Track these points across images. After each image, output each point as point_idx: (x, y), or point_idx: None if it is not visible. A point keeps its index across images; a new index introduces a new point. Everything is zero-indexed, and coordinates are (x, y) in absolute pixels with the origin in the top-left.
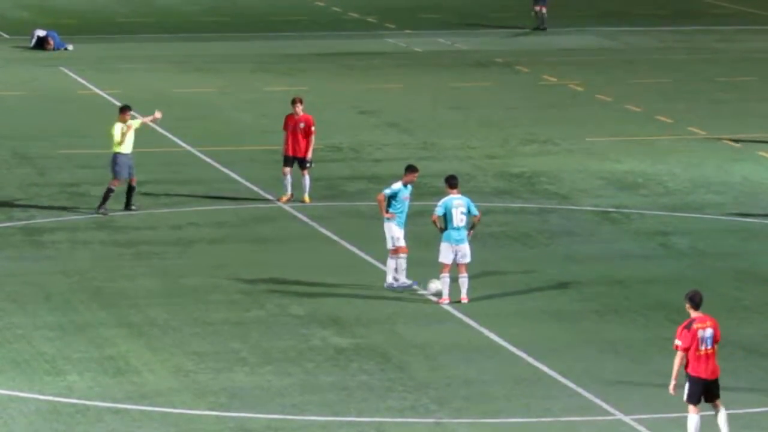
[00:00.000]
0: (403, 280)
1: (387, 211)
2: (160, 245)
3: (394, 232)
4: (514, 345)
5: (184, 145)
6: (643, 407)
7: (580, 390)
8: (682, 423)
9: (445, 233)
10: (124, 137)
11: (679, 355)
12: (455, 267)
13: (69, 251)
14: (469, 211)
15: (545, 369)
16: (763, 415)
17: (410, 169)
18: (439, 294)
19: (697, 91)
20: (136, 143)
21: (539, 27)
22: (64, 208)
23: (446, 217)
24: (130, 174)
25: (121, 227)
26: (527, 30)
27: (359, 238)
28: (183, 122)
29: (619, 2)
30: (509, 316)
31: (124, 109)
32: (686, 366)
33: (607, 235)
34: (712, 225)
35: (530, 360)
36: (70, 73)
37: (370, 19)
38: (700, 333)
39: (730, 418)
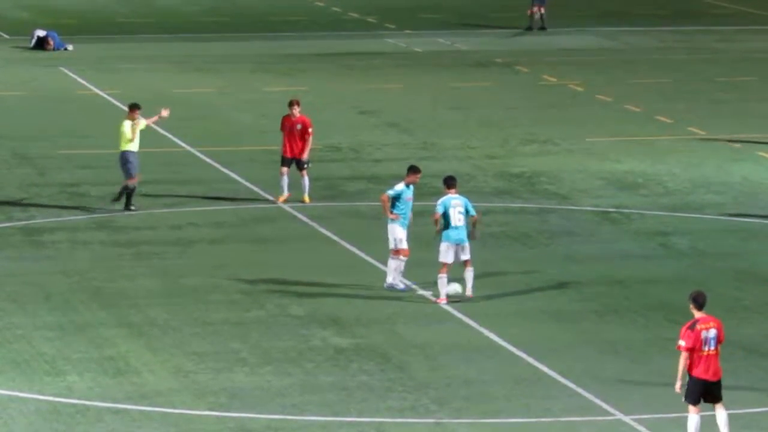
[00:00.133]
0: (401, 281)
1: (391, 212)
2: (160, 245)
3: (398, 234)
4: (514, 345)
5: (183, 145)
6: (643, 407)
7: (580, 390)
8: (682, 423)
9: (445, 233)
10: (135, 134)
11: (683, 355)
12: (455, 267)
13: (69, 251)
14: (467, 212)
15: (545, 369)
16: (763, 415)
17: (413, 169)
18: (457, 294)
19: (697, 91)
20: None
21: (531, 27)
22: (64, 208)
23: (445, 216)
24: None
25: (121, 227)
26: (520, 30)
27: (359, 238)
28: (183, 122)
29: (619, 2)
30: (509, 316)
31: (133, 107)
32: (689, 366)
33: (607, 235)
34: (712, 225)
35: (530, 360)
36: (70, 73)
37: (370, 19)
38: (703, 334)
39: (730, 418)
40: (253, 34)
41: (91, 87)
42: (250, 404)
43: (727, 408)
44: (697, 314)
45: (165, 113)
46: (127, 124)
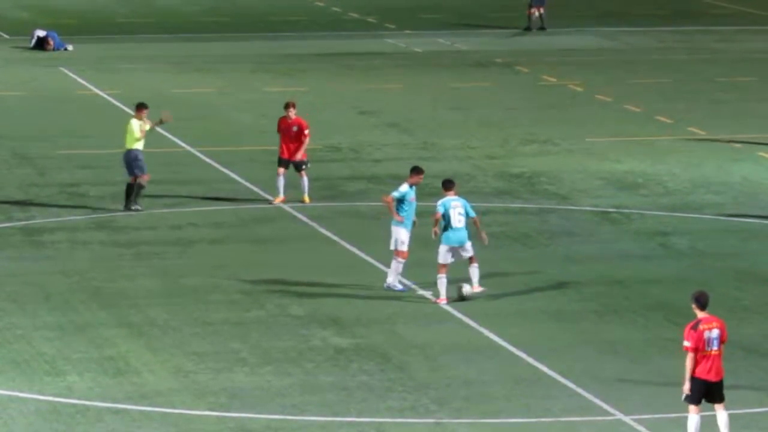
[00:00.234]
0: (400, 282)
1: (398, 214)
2: (160, 245)
3: (401, 236)
4: (514, 345)
5: (183, 145)
6: (643, 407)
7: (580, 390)
8: (682, 423)
9: (444, 235)
10: (143, 133)
11: (689, 355)
12: (460, 266)
13: (69, 251)
14: (467, 213)
15: (545, 369)
16: (763, 415)
17: (416, 170)
18: (470, 295)
19: (697, 91)
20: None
21: (530, 28)
22: (64, 208)
23: (445, 218)
24: (133, 172)
25: (121, 227)
26: (519, 30)
27: (359, 238)
28: (183, 122)
29: (619, 2)
30: (509, 316)
31: (141, 107)
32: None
33: (607, 235)
34: (711, 225)
35: (530, 360)
36: (70, 73)
37: (370, 19)
38: (706, 334)
39: (730, 418)
40: (253, 34)
41: (91, 87)
42: (250, 404)
43: (727, 408)
44: (700, 314)
45: (167, 117)
46: (135, 123)
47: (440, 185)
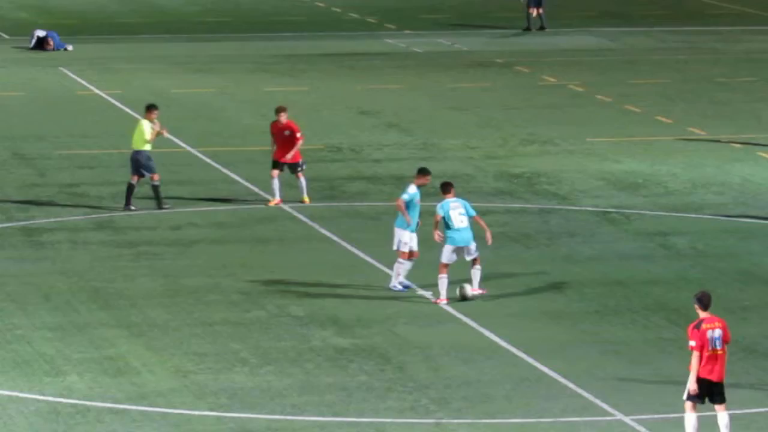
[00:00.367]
0: (399, 282)
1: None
2: (160, 245)
3: (405, 237)
4: (514, 345)
5: (183, 145)
6: (643, 407)
7: (580, 390)
8: (683, 423)
9: (449, 236)
10: (153, 135)
11: (695, 355)
12: (461, 266)
13: (69, 252)
14: (468, 213)
15: (545, 369)
16: (763, 415)
17: (423, 171)
18: (473, 295)
19: (697, 91)
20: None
21: (529, 28)
22: (64, 208)
23: (446, 219)
24: (139, 172)
25: (121, 227)
26: (519, 30)
27: (359, 238)
28: (183, 122)
29: (619, 2)
30: (509, 317)
31: (151, 108)
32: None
33: (607, 235)
34: (712, 225)
35: (530, 360)
36: (70, 74)
37: (370, 20)
38: (709, 333)
39: (730, 419)
40: (253, 34)
41: (91, 87)
42: (250, 404)
43: (727, 408)
44: (702, 314)
45: (162, 130)
46: (146, 125)
47: (439, 187)
